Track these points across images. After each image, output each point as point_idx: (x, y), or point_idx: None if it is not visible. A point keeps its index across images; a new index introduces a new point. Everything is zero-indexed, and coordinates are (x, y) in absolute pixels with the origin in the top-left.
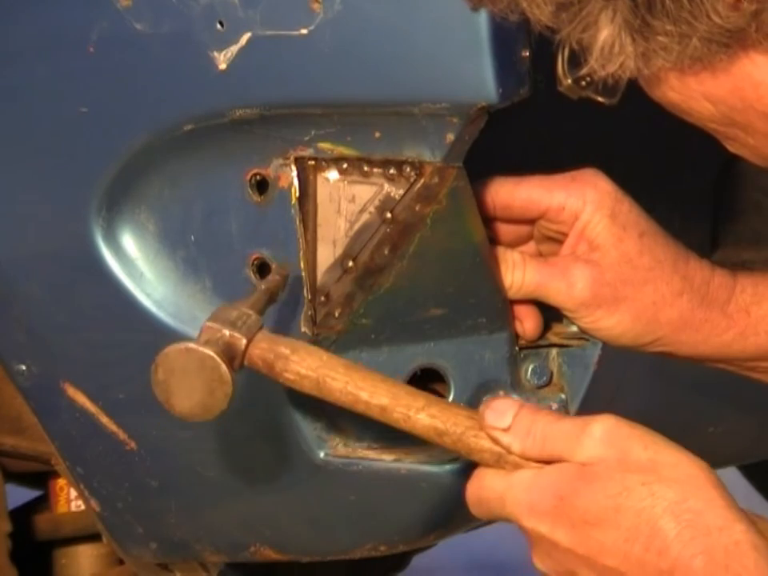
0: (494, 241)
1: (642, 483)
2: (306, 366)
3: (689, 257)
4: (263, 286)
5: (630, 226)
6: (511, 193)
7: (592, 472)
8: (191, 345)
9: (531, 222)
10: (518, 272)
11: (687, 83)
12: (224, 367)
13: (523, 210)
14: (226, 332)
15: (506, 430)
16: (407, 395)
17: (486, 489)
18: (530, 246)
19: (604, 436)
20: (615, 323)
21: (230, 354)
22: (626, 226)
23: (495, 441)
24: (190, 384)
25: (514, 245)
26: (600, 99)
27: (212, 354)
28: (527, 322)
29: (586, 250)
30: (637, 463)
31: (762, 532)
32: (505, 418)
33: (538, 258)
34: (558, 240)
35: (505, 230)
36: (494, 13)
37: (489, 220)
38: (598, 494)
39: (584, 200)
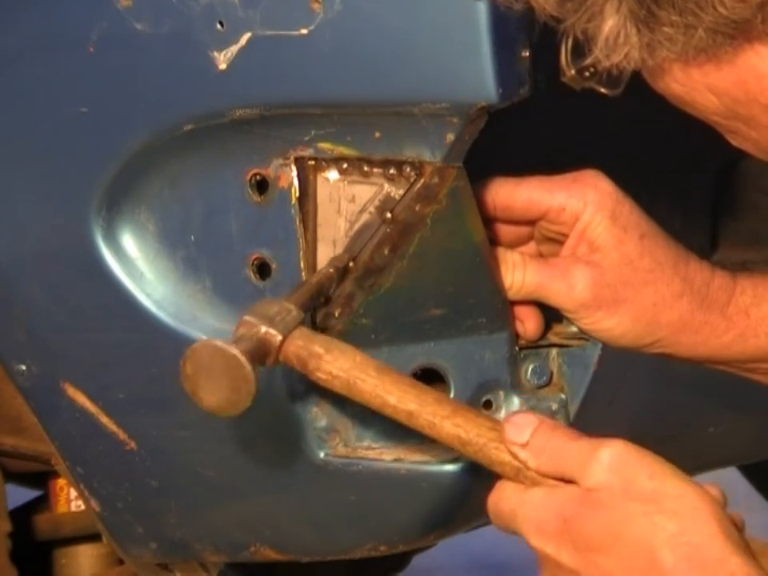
0: (494, 241)
1: (643, 513)
2: (338, 366)
3: (689, 258)
4: (314, 279)
5: (631, 227)
6: (512, 193)
7: (597, 498)
8: (218, 343)
9: (532, 222)
10: (518, 273)
11: (691, 75)
12: (248, 367)
13: (524, 210)
14: (262, 328)
15: (523, 446)
16: (434, 402)
17: (503, 501)
18: (531, 247)
19: (612, 463)
20: (615, 324)
21: (264, 350)
22: (626, 228)
23: (514, 455)
24: (216, 380)
25: (514, 245)
26: (603, 90)
27: (236, 353)
28: (528, 323)
29: (587, 251)
30: (640, 492)
31: (762, 564)
32: (523, 433)
33: (538, 259)
34: (558, 241)
35: (505, 231)
36: (499, 2)
37: (489, 220)
38: (600, 520)
39: (585, 201)
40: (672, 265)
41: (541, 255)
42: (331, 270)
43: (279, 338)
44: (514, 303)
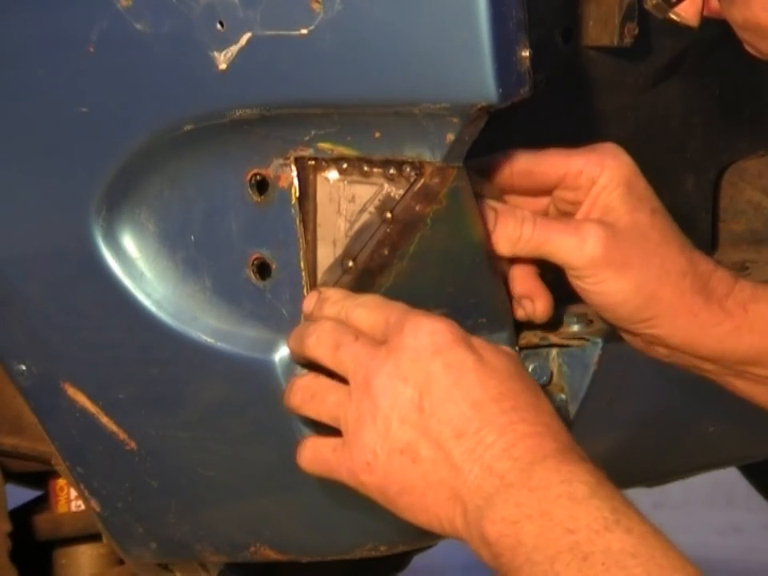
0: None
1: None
2: None
3: (693, 249)
4: None
5: (644, 200)
6: (531, 160)
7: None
8: None
9: (547, 193)
10: (528, 225)
11: None
12: None
13: (542, 175)
14: None
15: None
16: None
17: None
18: None
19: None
20: (618, 289)
21: None
22: (640, 199)
23: None
24: None
25: None
26: (682, 22)
27: None
28: (539, 302)
29: (599, 215)
30: None
31: None
32: None
33: (549, 217)
34: (573, 214)
35: (519, 204)
36: None
37: (504, 191)
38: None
39: (602, 166)
40: (679, 245)
41: None
42: None
43: None
44: (524, 283)
